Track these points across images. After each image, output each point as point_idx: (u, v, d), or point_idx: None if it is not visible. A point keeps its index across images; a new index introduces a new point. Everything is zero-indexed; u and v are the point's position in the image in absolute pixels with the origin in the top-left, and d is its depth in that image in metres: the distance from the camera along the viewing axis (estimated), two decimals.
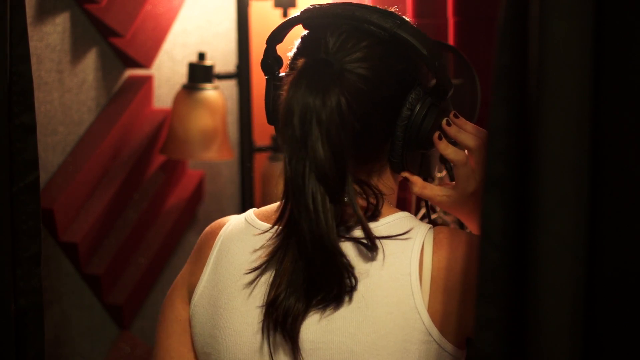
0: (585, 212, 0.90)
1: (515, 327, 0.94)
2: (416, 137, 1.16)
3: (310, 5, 1.19)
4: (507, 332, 0.95)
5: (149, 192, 2.21)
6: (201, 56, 2.12)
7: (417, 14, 1.93)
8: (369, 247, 1.10)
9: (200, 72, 2.11)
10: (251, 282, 1.15)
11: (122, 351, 2.16)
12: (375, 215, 1.14)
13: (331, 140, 1.06)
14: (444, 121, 1.19)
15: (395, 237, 1.12)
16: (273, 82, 1.22)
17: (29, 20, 1.83)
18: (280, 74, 1.22)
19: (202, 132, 2.12)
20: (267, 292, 1.12)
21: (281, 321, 1.10)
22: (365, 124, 1.12)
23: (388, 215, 1.16)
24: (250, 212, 1.22)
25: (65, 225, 1.98)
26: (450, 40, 1.89)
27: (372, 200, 1.15)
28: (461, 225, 1.70)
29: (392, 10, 1.18)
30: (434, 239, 1.13)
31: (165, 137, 2.18)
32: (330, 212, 1.07)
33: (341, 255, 1.09)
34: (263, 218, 1.20)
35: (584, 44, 0.88)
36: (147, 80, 2.21)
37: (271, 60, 1.23)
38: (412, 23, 1.17)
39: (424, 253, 1.11)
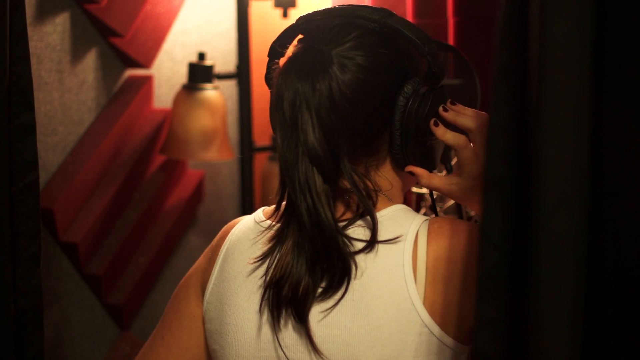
0: (585, 212, 0.89)
1: (515, 327, 0.94)
2: (413, 125, 1.16)
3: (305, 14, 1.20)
4: (507, 332, 0.95)
5: (149, 192, 2.21)
6: (201, 56, 2.12)
7: (417, 14, 1.93)
8: (369, 242, 1.10)
9: (200, 72, 2.11)
10: (252, 274, 1.16)
11: (122, 351, 2.16)
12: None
13: (322, 122, 1.08)
14: (440, 107, 1.19)
15: (388, 242, 1.11)
16: None
17: (29, 20, 1.83)
18: None
19: (202, 132, 2.12)
20: (270, 276, 1.12)
21: (290, 296, 1.10)
22: (359, 112, 1.12)
23: (383, 209, 1.16)
24: (259, 211, 1.23)
25: (65, 225, 1.98)
26: (450, 40, 1.89)
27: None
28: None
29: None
30: (429, 229, 1.12)
31: (165, 137, 2.18)
32: (325, 192, 1.09)
33: (340, 232, 1.10)
34: (269, 216, 1.21)
35: (583, 44, 0.88)
36: (147, 80, 2.21)
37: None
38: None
39: (417, 244, 1.11)
